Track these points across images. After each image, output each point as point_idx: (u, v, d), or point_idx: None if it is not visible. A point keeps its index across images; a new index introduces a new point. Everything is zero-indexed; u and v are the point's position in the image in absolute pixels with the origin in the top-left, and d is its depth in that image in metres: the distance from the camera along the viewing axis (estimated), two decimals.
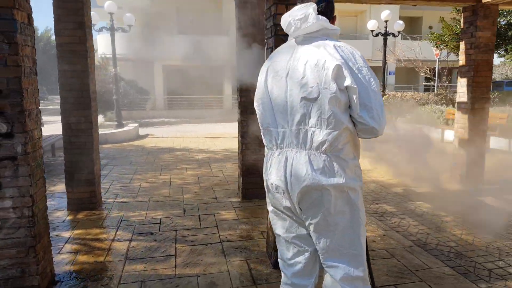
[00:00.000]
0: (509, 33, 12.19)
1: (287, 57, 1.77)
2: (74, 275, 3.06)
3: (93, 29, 8.25)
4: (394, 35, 12.67)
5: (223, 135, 12.04)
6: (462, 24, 5.44)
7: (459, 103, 5.58)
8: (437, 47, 14.23)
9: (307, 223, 1.76)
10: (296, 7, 1.78)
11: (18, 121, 2.59)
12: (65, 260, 3.30)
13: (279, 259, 1.97)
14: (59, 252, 3.43)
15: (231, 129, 14.19)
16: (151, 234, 3.88)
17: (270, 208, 1.95)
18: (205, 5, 21.60)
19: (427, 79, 17.63)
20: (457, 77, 5.72)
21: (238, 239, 3.75)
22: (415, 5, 5.12)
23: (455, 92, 14.12)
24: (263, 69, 1.88)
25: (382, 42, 12.74)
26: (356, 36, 24.04)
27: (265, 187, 1.91)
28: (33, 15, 2.84)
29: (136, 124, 12.73)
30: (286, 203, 1.78)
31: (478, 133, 5.42)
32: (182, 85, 22.47)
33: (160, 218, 4.31)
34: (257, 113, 1.90)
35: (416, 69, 15.68)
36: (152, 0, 20.06)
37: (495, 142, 8.14)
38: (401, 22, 12.80)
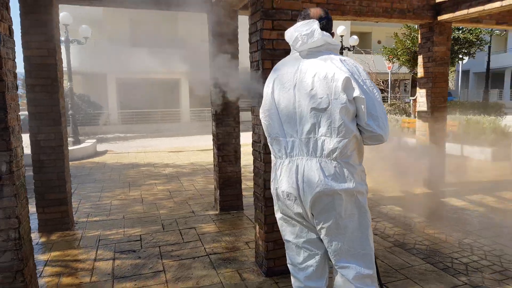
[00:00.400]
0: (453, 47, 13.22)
1: (293, 69, 1.85)
2: None
3: None
4: (349, 49, 13.27)
5: (186, 149, 11.92)
6: (419, 39, 5.83)
7: (419, 112, 5.94)
8: (389, 60, 15.07)
9: (318, 228, 1.83)
10: (299, 23, 1.87)
11: (2, 139, 2.48)
12: (49, 283, 3.15)
13: (288, 265, 2.02)
14: (40, 276, 3.27)
15: (194, 142, 14.11)
16: (134, 251, 3.79)
17: (278, 215, 2.00)
18: (160, 19, 21.42)
19: (381, 91, 18.59)
20: (405, 89, 6.09)
21: (224, 251, 3.75)
22: (377, 22, 5.43)
23: (406, 102, 14.94)
24: (269, 82, 1.95)
25: None
26: None
27: (274, 195, 1.96)
28: None
29: (94, 140, 12.31)
30: (298, 209, 1.84)
31: (438, 139, 5.79)
32: (137, 99, 22.03)
33: (140, 235, 4.21)
34: (263, 124, 1.96)
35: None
36: (105, 12, 19.63)
37: (448, 147, 8.67)
38: (355, 37, 13.43)
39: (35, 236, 4.21)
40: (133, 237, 4.17)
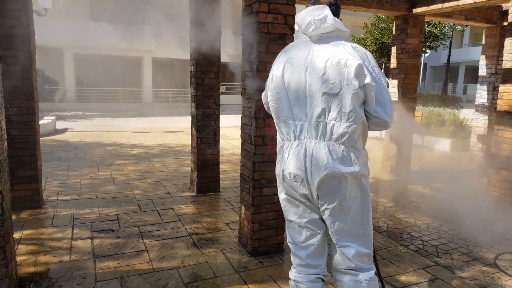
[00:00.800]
0: None
1: (305, 53, 1.88)
2: (43, 276, 2.85)
3: None
4: None
5: (152, 130, 11.69)
6: (394, 31, 6.02)
7: None
8: None
9: (323, 208, 1.89)
10: (311, 8, 1.91)
11: None
12: (25, 262, 3.05)
13: (289, 243, 2.08)
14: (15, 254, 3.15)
15: (160, 123, 13.84)
16: (112, 231, 3.73)
17: (282, 196, 2.04)
18: None
19: None
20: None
21: (206, 231, 3.78)
22: (355, 11, 5.54)
23: None
24: (279, 64, 1.96)
25: None
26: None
27: (280, 176, 1.99)
28: None
29: (53, 117, 11.78)
30: (303, 190, 1.89)
31: (406, 129, 6.05)
32: (96, 76, 21.20)
33: (116, 215, 4.14)
34: (271, 106, 1.98)
35: None
36: None
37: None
38: None
39: None
40: (109, 216, 4.09)
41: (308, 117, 1.84)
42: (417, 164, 6.75)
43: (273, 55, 2.92)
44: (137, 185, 5.34)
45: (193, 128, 4.93)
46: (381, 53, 14.15)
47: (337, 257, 1.98)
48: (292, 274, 2.05)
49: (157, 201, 4.65)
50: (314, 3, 1.95)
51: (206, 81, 4.74)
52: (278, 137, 2.03)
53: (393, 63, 6.04)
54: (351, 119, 1.78)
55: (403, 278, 2.98)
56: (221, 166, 5.79)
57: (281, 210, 3.15)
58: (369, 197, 1.94)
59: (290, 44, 2.03)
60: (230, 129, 11.03)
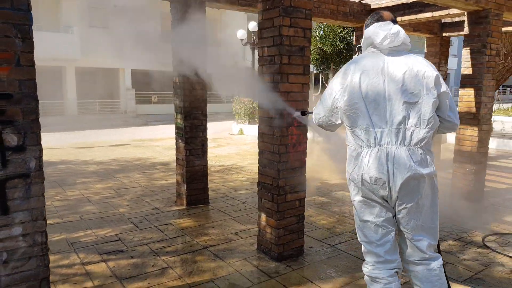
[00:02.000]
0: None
1: (379, 65, 2.06)
2: None
3: None
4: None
5: (95, 144, 11.07)
6: (354, 41, 6.47)
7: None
8: None
9: (400, 208, 2.07)
10: (378, 24, 2.11)
11: (32, 131, 2.19)
12: None
13: (365, 243, 2.22)
14: None
15: (100, 137, 13.13)
16: (122, 251, 3.57)
17: (358, 198, 2.17)
18: None
19: None
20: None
21: (219, 242, 3.77)
22: (323, 23, 5.88)
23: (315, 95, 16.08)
24: (353, 76, 2.10)
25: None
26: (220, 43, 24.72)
27: (357, 181, 2.11)
28: None
29: None
30: (383, 192, 2.06)
31: None
32: None
33: (116, 235, 3.95)
34: (348, 116, 2.11)
35: None
36: None
37: None
38: None
39: None
40: (108, 237, 3.90)
41: (388, 124, 2.01)
42: None
43: (295, 66, 3.10)
44: (117, 203, 5.11)
45: (180, 140, 4.86)
46: (321, 62, 14.92)
47: (409, 250, 2.17)
48: (368, 270, 2.20)
49: (149, 217, 4.51)
50: (378, 20, 2.15)
51: (194, 92, 4.72)
52: (351, 144, 2.16)
53: None
54: (430, 125, 1.99)
55: None
56: (178, 178, 5.72)
57: (302, 214, 3.32)
58: (437, 194, 2.15)
59: (359, 57, 2.19)
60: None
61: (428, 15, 5.35)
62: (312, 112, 3.19)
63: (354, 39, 6.50)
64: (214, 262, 3.35)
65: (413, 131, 2.01)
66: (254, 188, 5.89)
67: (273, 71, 3.16)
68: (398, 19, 5.74)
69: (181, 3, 4.56)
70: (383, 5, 5.94)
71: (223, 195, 5.48)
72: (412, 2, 5.53)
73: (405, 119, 2.00)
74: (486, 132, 5.01)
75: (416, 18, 5.51)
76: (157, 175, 6.81)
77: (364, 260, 2.28)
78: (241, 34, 13.31)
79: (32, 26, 2.17)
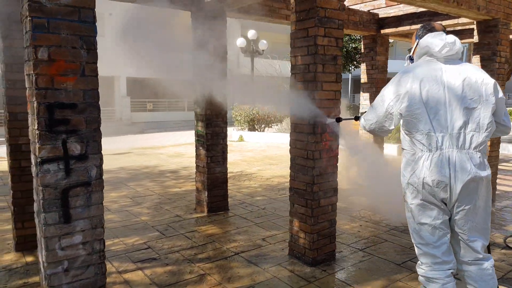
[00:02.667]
0: (356, 56, 14.86)
1: (438, 73, 2.16)
2: None
3: None
4: (259, 53, 13.92)
5: None
6: (363, 49, 6.62)
7: (362, 113, 6.72)
8: None
9: (459, 210, 2.16)
10: (436, 33, 2.22)
11: (94, 140, 2.25)
12: None
13: (420, 245, 2.29)
14: None
15: None
16: (155, 259, 3.59)
17: (417, 201, 2.24)
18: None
19: None
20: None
21: (249, 248, 3.82)
22: None
23: None
24: (413, 83, 2.16)
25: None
26: None
27: (418, 184, 2.18)
28: None
29: None
30: (443, 195, 2.14)
31: (378, 138, 6.64)
32: None
33: (145, 243, 3.98)
34: (409, 121, 2.19)
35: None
36: None
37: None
38: (265, 41, 14.14)
39: (13, 257, 3.62)
40: (138, 245, 3.92)
41: (448, 129, 2.11)
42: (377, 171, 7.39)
43: (328, 74, 3.20)
44: (137, 211, 5.12)
45: (201, 148, 4.91)
46: None
47: (463, 251, 2.26)
48: (425, 271, 2.27)
49: (173, 225, 4.54)
50: (431, 30, 2.26)
51: (215, 100, 4.78)
52: (410, 149, 2.25)
53: (364, 78, 6.63)
54: (489, 130, 2.10)
55: None
56: (198, 185, 5.76)
57: (334, 219, 3.40)
58: (491, 196, 2.25)
59: (413, 65, 2.29)
60: (179, 147, 10.90)
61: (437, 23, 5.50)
62: (346, 119, 3.29)
63: (362, 46, 6.64)
64: (249, 268, 3.39)
65: (473, 135, 2.11)
66: (269, 194, 5.95)
67: (308, 79, 3.25)
68: (407, 28, 5.91)
69: (203, 14, 4.63)
70: (391, 15, 6.11)
71: (240, 201, 5.54)
72: (421, 12, 5.70)
73: (465, 124, 2.11)
74: (497, 137, 5.16)
75: None
76: (169, 183, 6.83)
77: (417, 261, 2.37)
78: (241, 42, 13.43)
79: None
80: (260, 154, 10.26)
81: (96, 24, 2.18)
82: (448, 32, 2.30)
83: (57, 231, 2.16)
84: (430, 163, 2.15)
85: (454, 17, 5.35)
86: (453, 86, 2.13)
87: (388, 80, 6.47)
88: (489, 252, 2.35)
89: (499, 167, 8.29)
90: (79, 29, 2.11)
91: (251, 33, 13.32)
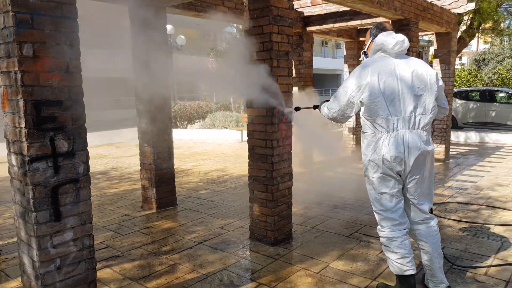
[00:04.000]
0: None
1: (391, 67, 2.55)
2: None
3: None
4: (177, 49, 13.75)
5: None
6: None
7: (323, 102, 7.17)
8: (216, 61, 16.28)
9: (410, 179, 2.58)
10: (388, 32, 2.61)
11: (80, 137, 2.26)
12: None
13: (380, 211, 2.67)
14: None
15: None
16: (119, 256, 3.58)
17: (377, 175, 2.62)
18: None
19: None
20: None
21: (211, 237, 3.98)
22: None
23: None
24: (372, 76, 2.52)
25: None
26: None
27: (376, 161, 2.57)
28: None
29: None
30: (399, 168, 2.55)
31: None
32: None
33: (101, 243, 3.91)
34: (370, 108, 2.55)
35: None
36: None
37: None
38: (183, 37, 14.01)
39: None
40: (95, 246, 3.82)
41: (402, 113, 2.51)
42: (317, 157, 7.96)
43: (282, 69, 3.50)
44: None
45: (146, 145, 4.90)
46: None
47: (413, 214, 2.70)
48: (386, 233, 2.67)
49: (125, 223, 4.50)
50: (383, 30, 2.65)
51: (158, 97, 4.80)
52: (370, 131, 2.61)
53: (293, 73, 7.06)
54: (433, 112, 2.55)
55: None
56: (144, 182, 5.74)
57: (290, 201, 3.74)
58: (434, 167, 2.72)
59: (371, 59, 2.65)
60: (97, 148, 10.47)
61: (357, 22, 6.14)
62: (305, 108, 3.62)
63: None
64: (217, 254, 3.56)
65: (421, 118, 2.54)
66: (212, 187, 6.11)
67: (261, 73, 3.49)
68: (330, 26, 6.46)
69: (141, 9, 4.61)
70: (316, 13, 6.62)
71: (186, 196, 5.62)
72: (343, 11, 6.27)
73: (414, 108, 2.52)
74: (438, 118, 5.92)
75: (347, 26, 6.27)
76: (103, 184, 6.60)
77: (377, 226, 2.77)
78: (170, 29, 13.01)
79: None
80: (188, 151, 10.28)
81: None
82: (394, 31, 2.71)
83: (49, 230, 2.14)
84: (388, 142, 2.54)
85: (373, 17, 6.00)
86: (405, 78, 2.53)
87: (311, 75, 7.01)
88: (432, 213, 2.83)
89: None
90: (62, 25, 2.10)
91: (169, 28, 13.11)
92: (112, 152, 10.40)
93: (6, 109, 2.16)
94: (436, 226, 2.73)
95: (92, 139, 14.13)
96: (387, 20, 5.75)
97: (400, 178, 2.63)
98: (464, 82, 19.17)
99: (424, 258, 2.76)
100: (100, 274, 3.22)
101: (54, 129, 2.13)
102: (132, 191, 6.00)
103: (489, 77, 18.87)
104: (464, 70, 20.77)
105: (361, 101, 2.60)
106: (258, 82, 3.49)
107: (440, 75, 7.15)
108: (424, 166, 2.59)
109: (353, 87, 2.61)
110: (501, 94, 12.71)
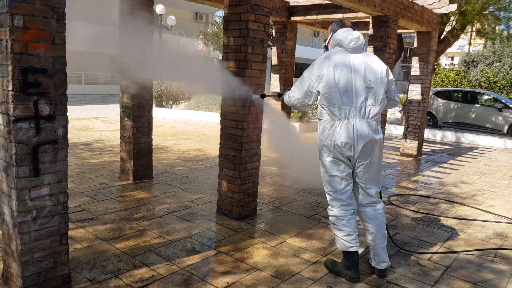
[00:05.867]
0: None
1: (347, 60, 2.83)
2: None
3: None
4: (167, 29, 13.81)
5: None
6: (274, 33, 7.28)
7: (272, 92, 7.44)
8: (205, 44, 16.38)
9: (359, 164, 2.88)
10: (345, 29, 2.88)
11: (61, 103, 2.49)
12: None
13: (332, 192, 2.96)
14: None
15: None
16: (92, 219, 3.84)
17: (329, 159, 2.91)
18: None
19: None
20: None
21: (180, 209, 4.26)
22: None
23: None
24: (328, 67, 2.79)
25: None
26: None
27: (330, 146, 2.85)
28: None
29: None
30: (349, 153, 2.85)
31: (286, 113, 7.43)
32: None
33: (78, 206, 4.16)
34: (325, 97, 2.82)
35: None
36: None
37: None
38: (173, 17, 14.05)
39: None
40: (72, 208, 4.06)
41: (354, 103, 2.80)
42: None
43: (257, 55, 3.77)
44: None
45: (127, 119, 5.12)
46: None
47: (361, 197, 3.01)
48: (334, 212, 2.98)
49: (101, 191, 4.74)
50: (342, 26, 2.92)
51: (141, 74, 5.00)
52: (325, 118, 2.90)
53: (275, 60, 7.32)
54: (382, 104, 2.84)
55: None
56: (123, 154, 5.95)
57: (257, 181, 4.03)
58: (382, 154, 3.02)
59: (330, 53, 2.92)
60: (83, 120, 10.61)
61: (339, 16, 6.40)
62: (270, 95, 3.88)
63: (274, 31, 7.30)
64: (184, 224, 3.85)
65: (371, 108, 2.83)
66: (188, 165, 6.37)
67: (239, 58, 3.75)
68: (314, 17, 6.71)
69: None
70: (300, 4, 6.85)
71: (163, 171, 5.87)
72: (327, 4, 6.52)
73: (365, 99, 2.81)
74: (389, 108, 6.25)
75: (330, 18, 6.53)
76: (84, 155, 6.81)
77: (327, 207, 3.08)
78: (161, 9, 13.03)
79: None
80: (171, 130, 10.49)
81: None
82: (353, 28, 2.98)
83: (27, 184, 2.38)
84: (340, 129, 2.83)
85: (354, 11, 6.26)
86: (358, 71, 2.82)
87: (293, 64, 7.26)
88: (380, 197, 3.15)
89: (384, 143, 9.79)
90: (50, 0, 2.32)
91: (159, 8, 13.17)
92: (97, 126, 10.55)
93: None
94: (382, 209, 3.05)
95: (79, 112, 14.24)
96: (367, 15, 6.02)
97: (350, 162, 2.93)
98: (452, 82, 19.61)
99: (369, 238, 3.07)
100: (73, 233, 3.49)
101: (38, 93, 2.35)
102: (111, 162, 6.23)
103: (477, 79, 19.36)
104: (452, 70, 21.19)
105: (318, 91, 2.87)
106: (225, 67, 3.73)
107: (419, 72, 7.47)
108: (372, 153, 2.89)
109: (312, 77, 2.89)
110: (484, 97, 13.09)
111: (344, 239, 2.97)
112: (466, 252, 3.57)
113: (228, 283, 2.80)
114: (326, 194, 3.07)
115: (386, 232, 3.10)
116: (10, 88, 2.25)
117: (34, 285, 2.52)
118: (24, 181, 2.37)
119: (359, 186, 3.00)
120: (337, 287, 2.85)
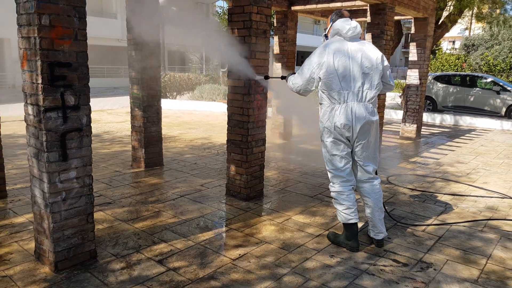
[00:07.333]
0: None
1: (345, 48, 3.06)
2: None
3: None
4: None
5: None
6: (275, 23, 7.47)
7: (276, 74, 7.64)
8: None
9: (357, 144, 3.13)
10: (344, 19, 3.10)
11: (84, 94, 2.73)
12: None
13: (333, 170, 3.22)
14: None
15: None
16: (110, 203, 4.11)
17: (330, 139, 3.16)
18: None
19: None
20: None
21: (192, 192, 4.53)
22: None
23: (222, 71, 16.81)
24: (328, 55, 3.03)
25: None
26: (102, 14, 23.64)
27: (329, 127, 3.10)
28: None
29: None
30: (348, 134, 3.09)
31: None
32: None
33: (95, 192, 4.40)
34: (325, 83, 3.05)
35: (186, 53, 17.72)
36: None
37: None
38: (174, 8, 14.17)
39: None
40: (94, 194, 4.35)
41: (351, 88, 3.03)
42: (296, 130, 8.51)
43: (260, 45, 3.98)
44: None
45: (137, 109, 5.37)
46: None
47: (359, 173, 3.26)
48: (335, 188, 3.23)
49: (116, 178, 5.02)
50: (341, 17, 3.13)
51: (150, 64, 5.24)
52: (326, 102, 3.13)
53: (276, 49, 7.52)
54: (378, 88, 3.07)
55: None
56: (134, 143, 6.19)
57: (263, 164, 4.29)
58: (379, 134, 3.26)
59: (330, 41, 3.15)
60: (97, 113, 10.83)
61: (338, 4, 6.58)
62: (274, 77, 4.12)
63: (275, 21, 7.49)
64: (196, 205, 4.12)
65: (367, 92, 3.06)
66: (196, 152, 6.64)
67: (241, 48, 3.97)
68: (313, 6, 6.89)
69: None
70: None
71: (172, 158, 6.14)
72: None
73: (362, 84, 3.05)
74: (385, 93, 6.46)
75: (329, 7, 6.71)
76: (95, 145, 7.06)
77: (328, 184, 3.33)
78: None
79: None
80: (177, 120, 10.74)
81: None
82: (351, 18, 3.20)
83: (57, 168, 2.64)
84: (339, 112, 3.08)
85: (353, 0, 6.44)
86: (355, 58, 3.05)
87: (294, 52, 7.46)
88: (376, 174, 3.40)
89: (384, 128, 10.01)
90: (72, 0, 2.55)
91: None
92: (104, 118, 10.81)
93: (25, 67, 2.62)
94: (379, 185, 3.30)
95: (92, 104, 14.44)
96: (365, 3, 6.20)
97: (349, 142, 3.17)
98: (452, 66, 19.69)
99: (367, 211, 3.34)
100: (94, 216, 3.76)
101: (64, 86, 2.60)
102: (122, 152, 6.50)
103: (477, 63, 19.43)
104: (452, 55, 21.23)
105: (319, 77, 3.11)
106: (236, 53, 3.96)
107: (416, 58, 7.66)
108: (369, 133, 3.13)
109: (314, 65, 3.12)
110: (482, 80, 13.25)
111: (345, 212, 3.23)
112: (458, 224, 3.83)
113: (240, 254, 3.07)
114: (328, 172, 3.32)
115: (383, 206, 3.36)
116: (40, 81, 2.50)
117: (65, 260, 2.80)
118: (54, 165, 2.63)
119: (357, 164, 3.25)
120: (338, 256, 3.11)
